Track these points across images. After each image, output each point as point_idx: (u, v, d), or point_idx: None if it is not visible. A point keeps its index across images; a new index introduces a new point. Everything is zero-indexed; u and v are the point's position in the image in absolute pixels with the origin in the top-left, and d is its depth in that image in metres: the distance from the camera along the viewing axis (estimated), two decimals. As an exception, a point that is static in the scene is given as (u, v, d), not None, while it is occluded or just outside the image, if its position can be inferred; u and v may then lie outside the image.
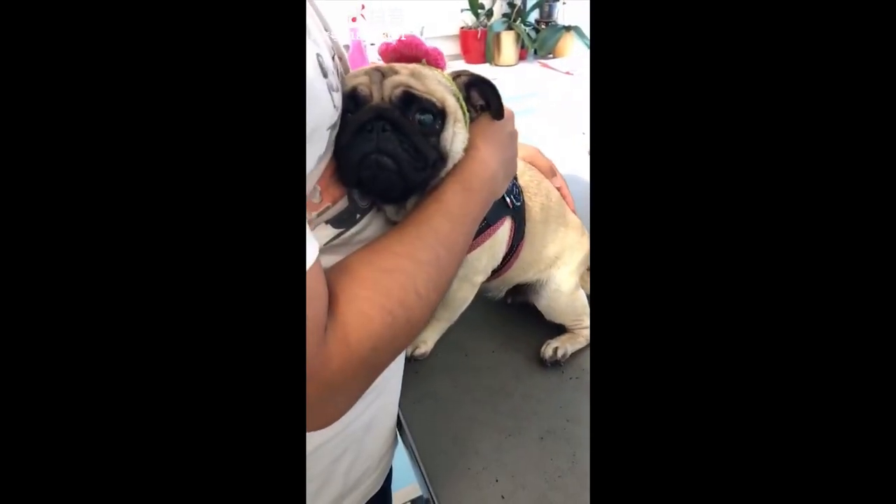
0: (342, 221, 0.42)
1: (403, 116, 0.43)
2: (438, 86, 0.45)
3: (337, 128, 0.40)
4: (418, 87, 0.44)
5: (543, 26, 2.06)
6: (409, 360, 0.64)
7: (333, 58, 0.41)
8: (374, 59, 1.80)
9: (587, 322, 0.68)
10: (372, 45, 1.90)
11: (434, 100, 0.44)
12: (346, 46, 1.76)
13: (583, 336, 0.68)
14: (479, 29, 2.01)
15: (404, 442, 0.59)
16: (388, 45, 0.50)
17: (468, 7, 2.01)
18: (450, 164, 0.46)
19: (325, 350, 0.32)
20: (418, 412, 0.59)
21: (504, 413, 0.59)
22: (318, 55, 0.34)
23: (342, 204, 0.42)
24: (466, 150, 0.46)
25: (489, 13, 2.04)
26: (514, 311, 0.74)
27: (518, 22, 1.99)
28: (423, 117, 0.44)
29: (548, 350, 0.65)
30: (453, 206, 0.43)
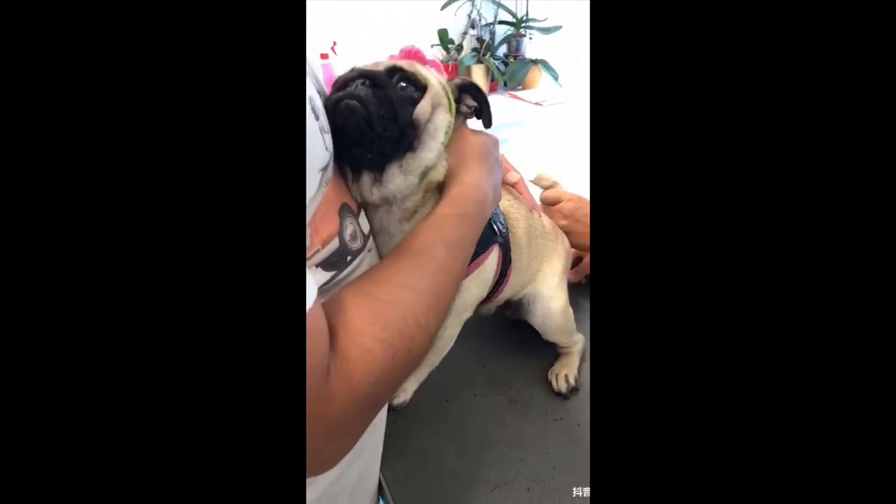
0: (333, 264, 0.40)
1: (383, 76, 0.44)
2: (428, 73, 0.47)
3: (329, 169, 0.40)
4: (407, 66, 0.46)
5: (512, 59, 2.12)
6: (388, 411, 0.61)
7: (320, 94, 0.41)
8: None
9: (576, 337, 0.68)
10: (344, 80, 1.91)
11: (421, 75, 0.46)
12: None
13: (575, 351, 0.68)
14: (449, 63, 2.05)
15: (384, 501, 0.56)
16: (392, 57, 0.53)
17: (438, 42, 2.06)
18: (427, 148, 0.46)
19: (327, 389, 0.30)
20: (399, 468, 0.56)
21: (489, 464, 0.56)
22: (309, 97, 0.34)
23: (333, 245, 0.40)
24: (459, 173, 0.47)
25: (459, 48, 2.09)
26: (493, 347, 0.72)
27: (487, 56, 2.04)
28: (402, 84, 0.45)
29: (560, 382, 0.65)
30: (450, 232, 0.43)
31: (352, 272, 0.42)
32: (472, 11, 2.07)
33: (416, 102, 0.45)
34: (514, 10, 2.09)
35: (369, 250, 0.46)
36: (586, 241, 0.73)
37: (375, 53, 2.06)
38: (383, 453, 0.55)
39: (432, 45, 2.08)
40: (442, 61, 2.07)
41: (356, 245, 0.43)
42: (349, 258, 0.42)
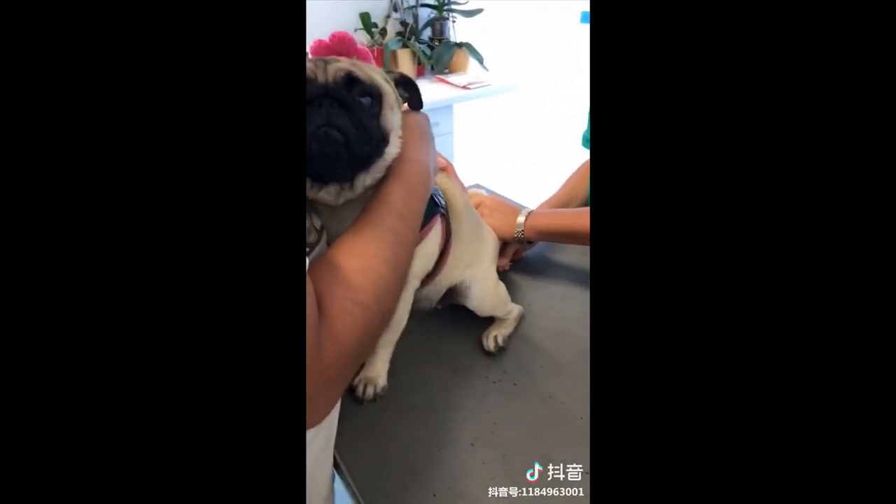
0: None
1: (349, 95, 0.47)
2: (375, 73, 0.51)
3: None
4: (359, 72, 0.48)
5: (437, 43, 2.14)
6: (362, 402, 0.63)
7: None
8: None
9: (511, 306, 0.74)
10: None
11: (375, 83, 0.49)
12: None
13: (511, 318, 0.73)
14: (374, 47, 2.03)
15: (339, 475, 0.59)
16: (321, 41, 0.54)
17: (362, 27, 2.03)
18: (392, 145, 0.51)
19: (318, 347, 0.35)
20: (350, 441, 0.59)
21: (434, 428, 0.61)
22: None
23: None
24: (402, 151, 0.51)
25: (383, 32, 2.07)
26: (435, 325, 0.76)
27: (412, 40, 2.04)
28: (363, 100, 0.48)
29: (489, 342, 0.70)
30: (400, 206, 0.48)
31: (308, 265, 0.45)
32: (393, -6, 2.06)
33: (378, 114, 0.49)
34: (435, -8, 2.09)
35: (326, 244, 0.50)
36: (499, 230, 0.83)
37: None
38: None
39: (356, 30, 2.04)
40: (367, 46, 2.04)
41: (311, 239, 0.48)
42: (307, 250, 0.46)
